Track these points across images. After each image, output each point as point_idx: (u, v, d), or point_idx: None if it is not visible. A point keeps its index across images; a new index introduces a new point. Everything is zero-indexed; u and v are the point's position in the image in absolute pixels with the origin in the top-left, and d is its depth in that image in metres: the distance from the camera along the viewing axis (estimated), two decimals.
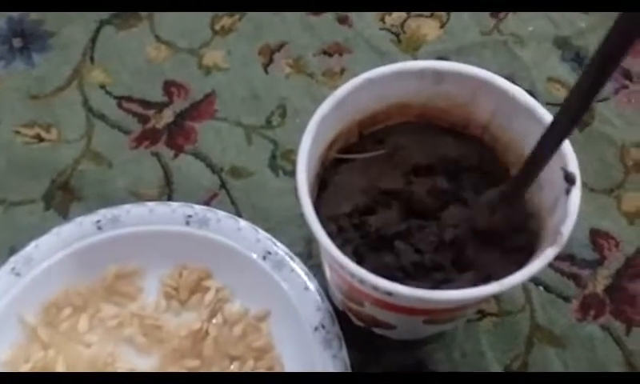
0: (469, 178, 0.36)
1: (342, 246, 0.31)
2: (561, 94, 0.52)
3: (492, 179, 0.36)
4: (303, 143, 0.33)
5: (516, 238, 0.34)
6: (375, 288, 0.30)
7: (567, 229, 0.30)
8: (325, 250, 0.31)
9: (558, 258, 0.30)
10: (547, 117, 0.33)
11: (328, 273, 0.38)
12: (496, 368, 0.42)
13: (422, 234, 0.34)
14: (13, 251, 0.43)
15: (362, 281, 0.30)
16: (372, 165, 0.36)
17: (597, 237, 0.46)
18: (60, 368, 0.40)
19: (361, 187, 0.36)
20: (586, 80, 0.25)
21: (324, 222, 0.31)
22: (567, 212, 0.31)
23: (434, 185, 0.35)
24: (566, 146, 0.32)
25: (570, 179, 0.31)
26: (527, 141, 0.34)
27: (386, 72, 0.35)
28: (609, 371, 0.42)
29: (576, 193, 0.31)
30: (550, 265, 0.38)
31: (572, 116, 0.27)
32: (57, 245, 0.43)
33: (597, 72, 0.24)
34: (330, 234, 0.31)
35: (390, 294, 0.30)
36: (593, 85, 0.25)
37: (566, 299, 0.44)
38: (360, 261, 0.31)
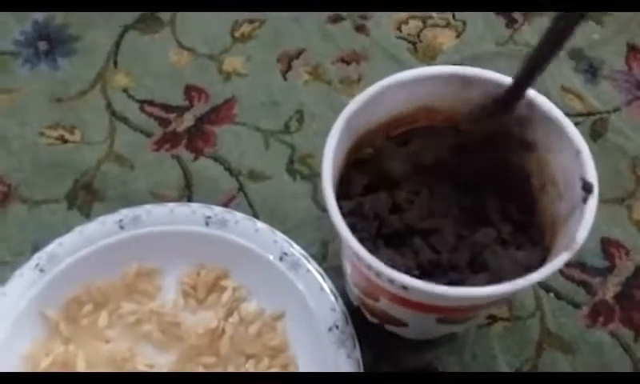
0: (491, 182, 0.37)
1: (361, 242, 0.32)
2: (574, 103, 0.53)
3: (514, 185, 0.37)
4: (330, 138, 0.33)
5: (530, 252, 0.35)
6: (391, 281, 0.31)
7: (582, 235, 0.31)
8: (345, 243, 0.32)
9: (569, 265, 0.31)
10: (569, 125, 0.34)
11: (348, 269, 0.39)
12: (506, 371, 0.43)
13: (440, 234, 0.35)
14: (36, 248, 0.44)
15: (378, 274, 0.31)
16: None
17: (608, 245, 0.47)
18: (80, 362, 0.41)
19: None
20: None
21: (345, 217, 0.32)
22: (583, 219, 0.31)
23: (456, 187, 0.36)
24: (586, 155, 0.33)
25: (587, 188, 0.32)
26: (549, 147, 0.35)
27: (416, 75, 0.36)
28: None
29: (593, 202, 0.32)
30: (561, 272, 0.39)
31: None
32: (80, 243, 0.43)
33: None
34: (351, 229, 0.32)
35: (405, 288, 0.31)
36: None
37: (576, 306, 0.45)
38: (378, 257, 0.32)
